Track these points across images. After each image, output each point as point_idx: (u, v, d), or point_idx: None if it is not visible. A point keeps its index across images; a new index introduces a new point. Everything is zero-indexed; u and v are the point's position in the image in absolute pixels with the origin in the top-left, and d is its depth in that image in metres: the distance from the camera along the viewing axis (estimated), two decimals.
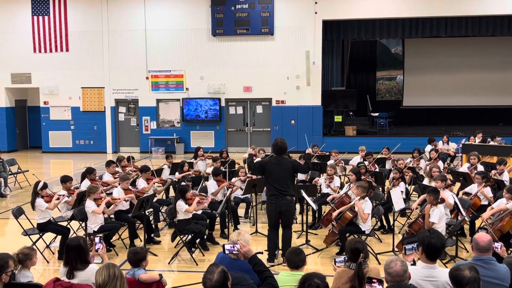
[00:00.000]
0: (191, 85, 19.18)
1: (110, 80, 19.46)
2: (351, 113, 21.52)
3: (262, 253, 4.41)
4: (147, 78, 19.37)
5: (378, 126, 20.74)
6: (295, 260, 4.20)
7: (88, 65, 19.48)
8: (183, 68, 19.22)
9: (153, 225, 8.57)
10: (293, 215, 8.60)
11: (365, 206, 7.15)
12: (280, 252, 7.07)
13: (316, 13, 18.32)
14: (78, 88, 19.60)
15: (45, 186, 7.57)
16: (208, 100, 19.06)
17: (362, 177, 8.78)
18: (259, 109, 19.38)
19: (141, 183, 8.80)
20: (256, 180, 8.40)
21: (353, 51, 22.42)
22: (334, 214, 7.43)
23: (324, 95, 19.12)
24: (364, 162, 10.70)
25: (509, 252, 6.29)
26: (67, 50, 19.44)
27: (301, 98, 18.70)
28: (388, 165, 11.42)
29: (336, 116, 19.82)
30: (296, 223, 9.05)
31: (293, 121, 18.79)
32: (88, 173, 9.03)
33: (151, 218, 8.66)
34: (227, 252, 4.07)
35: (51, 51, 19.41)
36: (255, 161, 7.28)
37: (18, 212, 7.59)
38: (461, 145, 13.91)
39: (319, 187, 9.76)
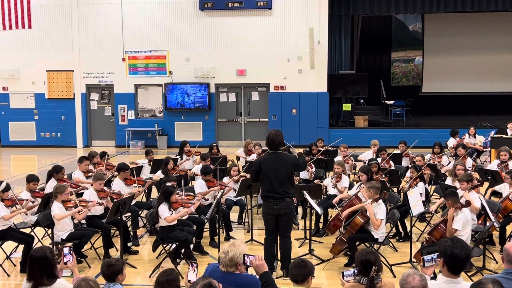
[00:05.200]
0: (176, 68, 19.12)
1: (80, 62, 19.36)
2: (362, 100, 21.51)
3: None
4: (123, 59, 19.29)
5: (393, 116, 20.76)
6: (302, 273, 4.21)
7: (54, 45, 19.37)
8: (166, 48, 19.14)
9: (131, 232, 8.56)
10: (294, 220, 8.62)
11: (378, 210, 7.17)
12: (279, 264, 7.08)
13: None
14: (43, 72, 19.50)
15: (7, 188, 7.53)
16: (195, 85, 19.02)
17: (375, 176, 8.79)
18: (255, 96, 19.36)
19: (117, 184, 8.78)
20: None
21: (365, 28, 22.37)
22: (344, 213, 7.44)
23: (330, 80, 19.11)
24: (377, 158, 10.71)
25: None
26: (29, 26, 19.28)
27: (304, 84, 18.69)
28: (405, 162, 11.43)
29: (345, 105, 19.84)
30: (298, 229, 9.07)
31: (294, 110, 18.79)
32: (55, 171, 8.99)
33: (128, 224, 8.64)
34: (247, 261, 4.16)
35: (10, 27, 19.26)
36: (253, 163, 7.24)
37: None
38: (489, 138, 13.95)
39: (324, 187, 9.77)
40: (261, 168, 6.86)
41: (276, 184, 6.76)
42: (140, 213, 9.10)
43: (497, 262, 7.38)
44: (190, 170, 10.76)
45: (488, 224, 7.04)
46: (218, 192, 8.43)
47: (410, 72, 24.15)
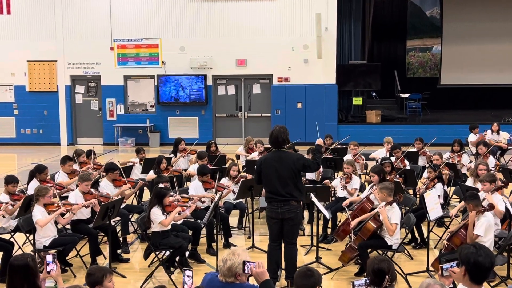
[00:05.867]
0: (169, 58, 19.12)
1: (64, 52, 19.37)
2: (374, 93, 21.47)
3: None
4: (111, 48, 19.30)
5: (409, 111, 20.75)
6: (308, 283, 4.22)
7: (36, 32, 19.38)
8: (158, 36, 19.15)
9: (121, 239, 8.57)
10: (300, 225, 8.62)
11: (392, 214, 7.17)
12: (283, 273, 7.09)
13: None
14: (23, 62, 19.52)
15: None
16: (190, 77, 19.02)
17: (388, 177, 8.79)
18: (256, 88, 19.36)
19: (105, 185, 8.79)
20: (253, 181, 8.40)
21: (377, 14, 22.35)
22: (353, 223, 7.46)
23: (339, 71, 19.10)
24: (391, 157, 10.71)
25: None
26: (8, 12, 19.30)
27: (311, 75, 18.68)
28: (421, 161, 11.43)
29: (355, 98, 19.84)
30: (304, 235, 9.07)
31: (299, 105, 18.79)
32: (37, 171, 9.00)
33: (118, 229, 8.66)
34: (246, 269, 4.17)
35: None
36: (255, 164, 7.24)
37: None
38: None
39: (333, 189, 9.76)
40: (262, 168, 6.86)
41: (279, 186, 6.76)
42: (130, 217, 9.10)
43: None
44: (185, 170, 10.77)
45: None
46: (216, 194, 8.43)
47: (427, 62, 24.12)
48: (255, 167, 7.11)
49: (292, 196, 6.81)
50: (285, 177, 6.77)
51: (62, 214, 7.53)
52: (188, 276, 4.30)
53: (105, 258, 8.00)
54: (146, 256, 7.66)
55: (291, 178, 6.82)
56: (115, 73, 19.41)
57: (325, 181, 9.59)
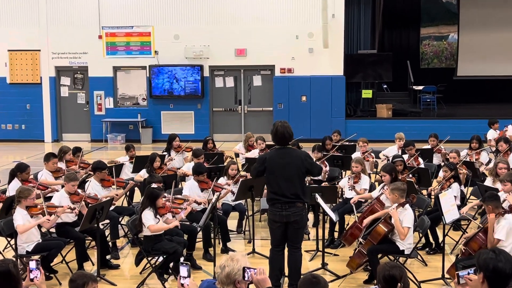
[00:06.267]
0: (162, 47, 19.11)
1: (49, 40, 19.36)
2: (385, 86, 21.45)
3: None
4: (100, 37, 19.29)
5: (423, 105, 20.75)
6: None
7: (17, 19, 19.37)
8: (151, 24, 19.14)
9: (110, 243, 8.58)
10: (305, 229, 8.62)
11: (405, 217, 7.17)
12: (286, 280, 7.10)
13: None
14: (4, 52, 19.51)
15: None
16: (185, 68, 19.02)
17: (400, 176, 8.79)
18: (257, 80, 19.35)
19: (93, 186, 8.80)
20: (253, 180, 8.42)
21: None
22: (366, 221, 7.44)
23: (347, 61, 19.09)
24: (403, 155, 10.71)
25: None
26: None
27: (316, 66, 18.68)
28: (436, 159, 11.44)
29: (365, 91, 19.82)
30: (309, 239, 9.08)
31: (304, 98, 18.78)
32: (19, 170, 9.01)
33: (107, 233, 8.66)
34: (246, 276, 4.19)
35: None
36: (257, 160, 7.23)
37: None
38: None
39: (340, 190, 9.76)
40: (266, 167, 6.85)
41: (285, 186, 6.75)
42: (120, 220, 9.11)
43: None
44: (179, 169, 10.78)
45: None
46: (214, 195, 8.44)
47: (442, 51, 24.10)
48: (257, 164, 7.06)
49: (297, 198, 6.81)
50: (291, 176, 6.77)
51: (47, 219, 7.53)
52: (183, 277, 4.31)
53: (93, 264, 8.00)
54: (137, 262, 7.66)
55: (298, 178, 6.82)
56: (104, 63, 19.39)
57: (338, 183, 9.55)
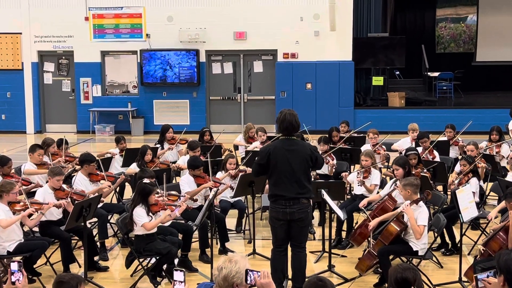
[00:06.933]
0: (155, 30, 19.08)
1: (31, 23, 19.33)
2: (397, 72, 21.42)
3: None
4: (86, 19, 19.26)
5: (439, 93, 20.73)
6: None
7: None
8: (142, 4, 19.11)
9: (98, 243, 8.60)
10: (310, 228, 8.64)
11: (419, 215, 7.18)
12: (290, 283, 7.11)
13: None
14: None
15: None
16: (180, 53, 19.00)
17: (414, 170, 8.80)
18: (258, 66, 19.33)
19: (80, 180, 8.81)
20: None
21: None
22: (372, 224, 7.46)
23: (357, 45, 19.05)
24: (417, 147, 10.71)
25: None
26: None
27: (322, 50, 18.66)
28: (453, 152, 11.44)
29: (375, 78, 19.80)
30: (314, 239, 9.10)
31: (309, 85, 18.76)
32: (0, 164, 9.01)
33: (95, 232, 8.68)
34: (249, 279, 4.22)
35: None
36: (259, 152, 7.22)
37: None
38: None
39: (348, 185, 9.76)
40: (270, 160, 6.83)
41: (290, 181, 6.76)
42: (109, 218, 9.12)
43: None
44: (174, 162, 10.79)
45: None
46: (211, 189, 8.45)
47: (460, 35, 24.05)
48: (259, 156, 7.05)
49: (303, 193, 6.81)
50: (298, 170, 6.77)
51: (30, 215, 7.55)
52: (179, 281, 4.33)
53: (80, 266, 8.02)
54: (128, 264, 7.66)
55: (304, 172, 6.83)
56: (91, 48, 19.36)
57: (343, 174, 9.55)
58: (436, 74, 21.00)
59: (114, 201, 10.20)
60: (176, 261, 7.79)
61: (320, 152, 10.23)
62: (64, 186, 8.31)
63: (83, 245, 7.80)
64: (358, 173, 9.27)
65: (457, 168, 9.69)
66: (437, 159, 10.41)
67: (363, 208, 8.32)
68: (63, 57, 19.70)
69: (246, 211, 9.57)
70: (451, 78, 20.81)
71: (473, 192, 8.18)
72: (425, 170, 9.31)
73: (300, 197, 6.80)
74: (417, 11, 24.05)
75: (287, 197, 6.78)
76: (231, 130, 17.94)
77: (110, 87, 19.71)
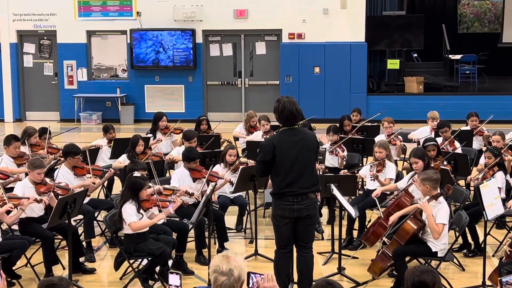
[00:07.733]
0: (146, 7, 19.07)
1: (9, 0, 19.33)
2: (415, 55, 21.39)
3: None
4: None
5: (461, 78, 20.70)
6: None
7: None
8: None
9: (84, 243, 8.62)
10: (318, 226, 8.65)
11: (438, 212, 7.18)
12: (296, 287, 7.13)
13: None
14: None
15: None
16: (174, 33, 18.99)
17: (433, 163, 8.81)
18: (261, 48, 19.32)
19: (63, 174, 8.82)
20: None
21: None
22: (393, 218, 7.44)
23: (370, 25, 19.03)
24: (436, 138, 10.72)
25: None
26: None
27: (332, 30, 18.65)
28: (477, 143, 11.45)
29: (391, 61, 19.78)
30: (322, 239, 9.12)
31: (317, 69, 18.76)
32: None
33: (80, 231, 8.70)
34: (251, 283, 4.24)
35: None
36: (261, 147, 7.21)
37: None
38: None
39: (361, 180, 9.77)
40: (276, 155, 6.82)
41: (297, 175, 6.75)
42: (96, 215, 9.14)
43: None
44: (167, 154, 10.80)
45: None
46: (208, 186, 8.46)
47: (485, 13, 24.00)
48: (261, 151, 7.01)
49: (311, 187, 6.82)
50: (304, 162, 6.79)
51: (8, 212, 7.57)
52: (175, 286, 4.34)
53: (64, 268, 8.05)
54: (117, 266, 7.68)
55: (311, 164, 6.85)
56: (75, 27, 19.36)
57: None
58: (458, 56, 20.96)
59: (102, 196, 10.23)
60: (170, 262, 7.81)
61: (329, 143, 10.28)
62: (47, 179, 8.31)
63: (67, 245, 7.83)
64: (371, 166, 9.27)
65: (482, 160, 9.69)
66: (459, 150, 10.41)
67: (375, 198, 8.30)
68: (45, 38, 19.70)
69: (247, 208, 9.58)
70: (475, 61, 20.78)
71: (499, 188, 8.19)
72: (445, 163, 9.31)
73: (308, 192, 6.80)
74: None
75: (296, 192, 6.76)
76: (230, 118, 18.01)
77: (97, 70, 19.71)
